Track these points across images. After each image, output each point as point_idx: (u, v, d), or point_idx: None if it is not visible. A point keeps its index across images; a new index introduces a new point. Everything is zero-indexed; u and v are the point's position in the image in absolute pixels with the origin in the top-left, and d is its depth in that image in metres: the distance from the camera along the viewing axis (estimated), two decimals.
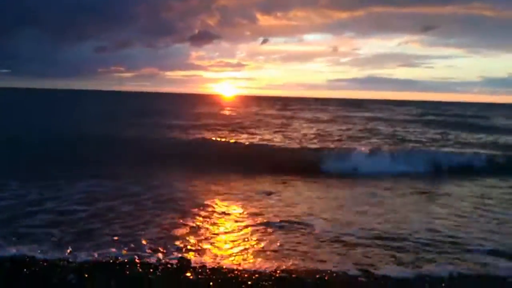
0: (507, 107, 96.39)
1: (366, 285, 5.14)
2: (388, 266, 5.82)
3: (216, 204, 9.26)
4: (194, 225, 7.70)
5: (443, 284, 5.24)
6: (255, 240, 6.92)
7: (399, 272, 5.58)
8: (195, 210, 8.70)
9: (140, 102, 65.31)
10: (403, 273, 5.54)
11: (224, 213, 8.60)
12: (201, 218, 8.15)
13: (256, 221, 8.03)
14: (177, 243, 6.67)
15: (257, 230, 7.50)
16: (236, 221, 8.03)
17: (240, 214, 8.56)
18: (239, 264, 5.78)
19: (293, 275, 5.33)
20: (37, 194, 9.36)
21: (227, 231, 7.44)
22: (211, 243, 6.74)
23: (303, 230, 7.51)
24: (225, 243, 6.81)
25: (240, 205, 9.24)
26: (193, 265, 5.63)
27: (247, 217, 8.28)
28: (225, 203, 9.37)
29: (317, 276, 5.33)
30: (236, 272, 5.42)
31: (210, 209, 8.86)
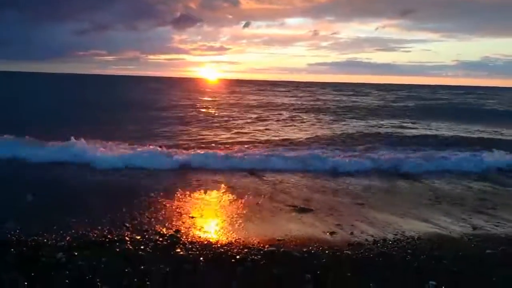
0: (481, 89, 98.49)
1: (352, 257, 5.30)
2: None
3: (203, 181, 9.31)
4: (181, 202, 7.74)
5: None
6: (242, 216, 7.02)
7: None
8: (181, 188, 8.73)
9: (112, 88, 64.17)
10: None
11: (210, 190, 8.67)
12: (188, 196, 8.19)
13: (243, 198, 8.14)
14: (165, 221, 6.71)
15: (245, 206, 7.60)
16: (223, 198, 8.11)
17: (226, 191, 8.64)
18: (228, 240, 5.87)
19: (281, 249, 5.46)
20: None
21: (214, 207, 7.51)
22: (199, 220, 6.80)
23: (290, 207, 7.67)
24: (213, 219, 6.88)
25: (225, 182, 9.32)
26: (182, 241, 5.70)
27: (233, 194, 8.38)
28: (211, 181, 9.43)
29: (304, 249, 5.48)
30: (225, 247, 5.51)
31: (196, 186, 8.91)
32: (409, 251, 5.56)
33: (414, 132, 19.30)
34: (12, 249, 5.03)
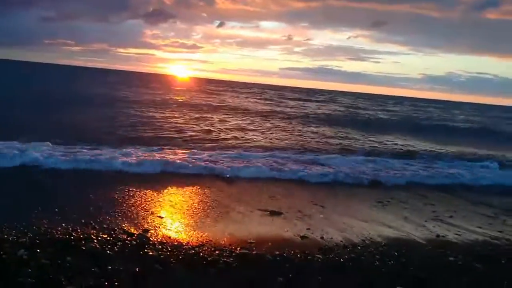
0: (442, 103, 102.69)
1: (324, 262, 5.35)
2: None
3: (171, 182, 9.14)
4: (148, 203, 7.57)
5: None
6: (212, 218, 6.94)
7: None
8: (150, 187, 8.54)
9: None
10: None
11: (180, 190, 8.53)
12: (154, 198, 8.02)
13: (212, 200, 8.06)
14: (133, 220, 6.52)
15: (214, 209, 7.53)
16: (191, 201, 8.00)
17: (194, 193, 8.53)
18: (199, 241, 5.78)
19: (254, 252, 5.44)
20: None
21: (183, 209, 7.38)
22: (168, 221, 6.66)
23: (261, 211, 7.66)
24: (182, 221, 6.75)
25: (194, 184, 9.20)
26: (152, 241, 5.55)
27: (201, 197, 8.29)
28: (180, 181, 9.28)
29: (277, 252, 5.48)
30: (196, 248, 5.42)
31: (164, 188, 8.74)
32: (377, 256, 5.68)
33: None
34: None
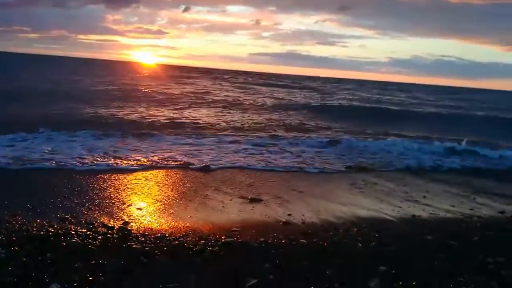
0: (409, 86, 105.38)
1: (308, 246, 5.42)
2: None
3: (145, 171, 8.98)
4: (124, 194, 7.42)
5: None
6: (193, 208, 6.89)
7: None
8: (126, 177, 8.37)
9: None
10: None
11: (158, 179, 8.40)
12: (134, 187, 7.87)
13: (190, 189, 8.00)
14: (111, 213, 6.38)
15: (193, 198, 7.47)
16: (169, 190, 7.90)
17: (176, 180, 8.43)
18: (182, 231, 5.72)
19: (239, 240, 5.44)
20: None
21: (161, 199, 7.28)
22: (147, 212, 6.56)
23: (240, 199, 7.67)
24: (162, 212, 6.66)
25: (176, 172, 9.08)
26: (134, 234, 5.45)
27: (179, 186, 8.20)
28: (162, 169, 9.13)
29: (262, 239, 5.50)
30: (181, 239, 5.36)
31: (142, 176, 8.58)
32: (359, 238, 5.81)
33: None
34: None
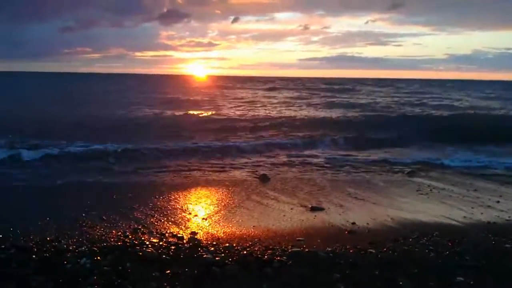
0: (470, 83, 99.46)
1: (377, 256, 5.29)
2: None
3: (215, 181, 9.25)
4: (188, 203, 7.68)
5: None
6: (255, 217, 6.98)
7: None
8: (190, 191, 8.68)
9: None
10: None
11: (220, 193, 8.62)
12: (198, 199, 8.13)
13: (249, 197, 8.11)
14: (177, 223, 6.63)
15: (253, 206, 7.57)
16: (233, 197, 8.06)
17: (238, 193, 8.59)
18: (248, 241, 5.82)
19: (306, 249, 5.43)
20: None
21: (226, 207, 7.44)
22: (213, 221, 6.74)
23: (305, 209, 7.66)
24: (225, 221, 6.80)
25: (237, 186, 9.26)
26: (203, 244, 5.62)
27: (236, 193, 8.34)
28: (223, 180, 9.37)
29: (329, 249, 5.46)
30: (248, 249, 5.45)
31: (204, 189, 8.85)
32: (431, 247, 5.59)
33: None
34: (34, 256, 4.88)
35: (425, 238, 5.97)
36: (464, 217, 7.16)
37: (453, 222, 6.87)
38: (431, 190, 9.03)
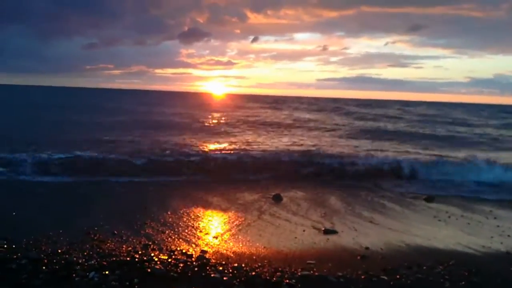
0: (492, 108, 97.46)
1: (389, 283, 5.14)
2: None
3: (223, 203, 9.22)
4: (202, 221, 7.65)
5: None
6: (264, 237, 6.90)
7: None
8: (202, 209, 8.66)
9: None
10: None
11: (231, 212, 8.57)
12: (209, 217, 8.11)
13: (260, 217, 8.04)
14: (187, 241, 6.60)
15: (264, 227, 7.49)
16: (235, 216, 8.00)
17: (249, 213, 8.53)
18: (257, 262, 5.74)
19: (316, 273, 5.32)
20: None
21: (237, 226, 7.39)
22: (223, 240, 6.69)
23: (317, 231, 7.55)
24: (235, 240, 6.74)
25: (249, 205, 9.21)
26: (212, 263, 5.57)
27: (246, 212, 8.28)
28: (233, 203, 9.34)
29: (340, 274, 5.33)
30: (257, 270, 5.37)
31: (216, 207, 8.82)
32: (446, 276, 5.39)
33: None
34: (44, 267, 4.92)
35: (441, 267, 5.77)
36: (483, 246, 6.91)
37: (471, 251, 6.64)
38: (449, 216, 8.78)
